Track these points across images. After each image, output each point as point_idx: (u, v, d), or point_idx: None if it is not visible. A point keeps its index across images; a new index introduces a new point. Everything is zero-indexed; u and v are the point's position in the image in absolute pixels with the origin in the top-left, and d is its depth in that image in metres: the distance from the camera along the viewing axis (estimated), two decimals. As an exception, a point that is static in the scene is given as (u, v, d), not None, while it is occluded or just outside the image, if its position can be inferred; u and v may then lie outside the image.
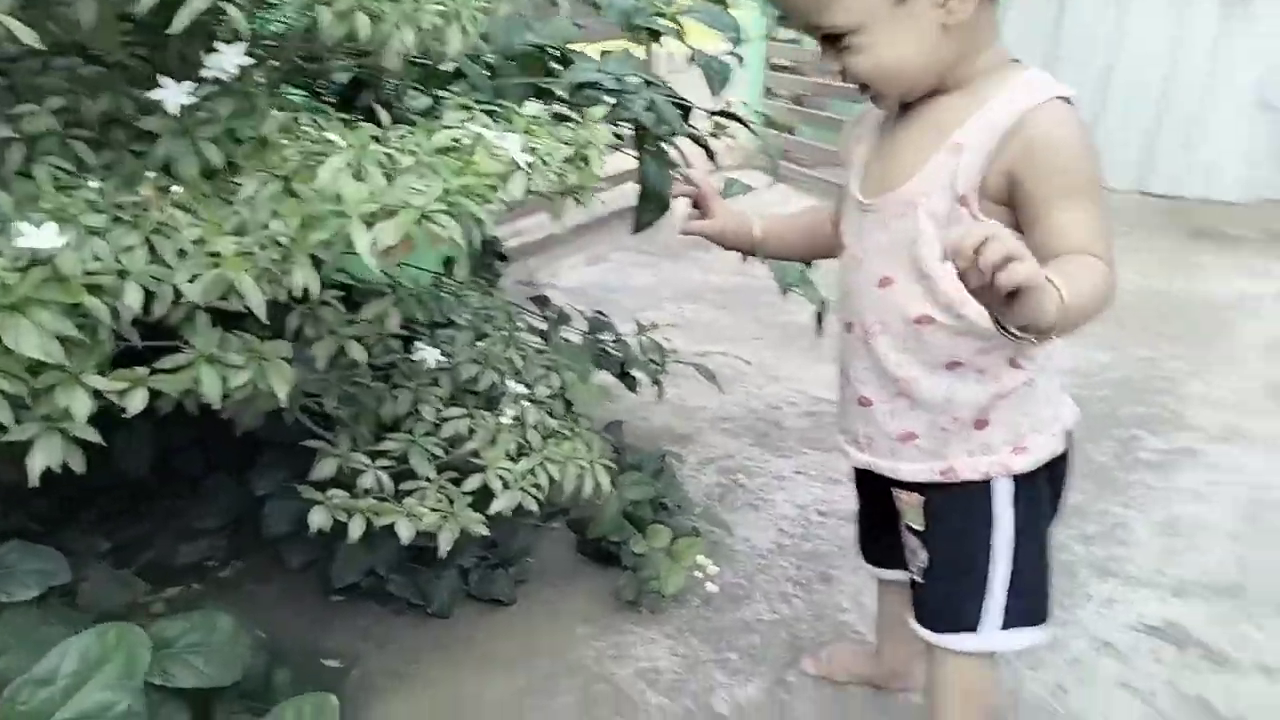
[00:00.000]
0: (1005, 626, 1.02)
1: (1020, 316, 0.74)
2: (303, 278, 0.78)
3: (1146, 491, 1.87)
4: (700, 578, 1.48)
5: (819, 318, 1.63)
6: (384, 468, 1.09)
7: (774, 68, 4.99)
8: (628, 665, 1.39)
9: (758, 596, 1.56)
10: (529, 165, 0.89)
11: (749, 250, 1.23)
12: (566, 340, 1.63)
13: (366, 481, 1.07)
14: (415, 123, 0.94)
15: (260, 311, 0.77)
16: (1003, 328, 0.79)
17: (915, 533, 1.05)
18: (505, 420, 1.14)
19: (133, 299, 0.75)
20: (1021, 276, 0.70)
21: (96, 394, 0.76)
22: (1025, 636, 1.04)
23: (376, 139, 0.87)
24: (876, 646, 1.34)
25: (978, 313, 0.83)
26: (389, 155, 0.85)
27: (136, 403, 0.78)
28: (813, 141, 4.55)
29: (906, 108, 0.97)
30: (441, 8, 0.94)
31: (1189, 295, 3.11)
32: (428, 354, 1.14)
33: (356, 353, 1.01)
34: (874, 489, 1.13)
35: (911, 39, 0.89)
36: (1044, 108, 0.87)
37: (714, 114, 1.62)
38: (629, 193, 1.53)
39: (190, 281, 0.77)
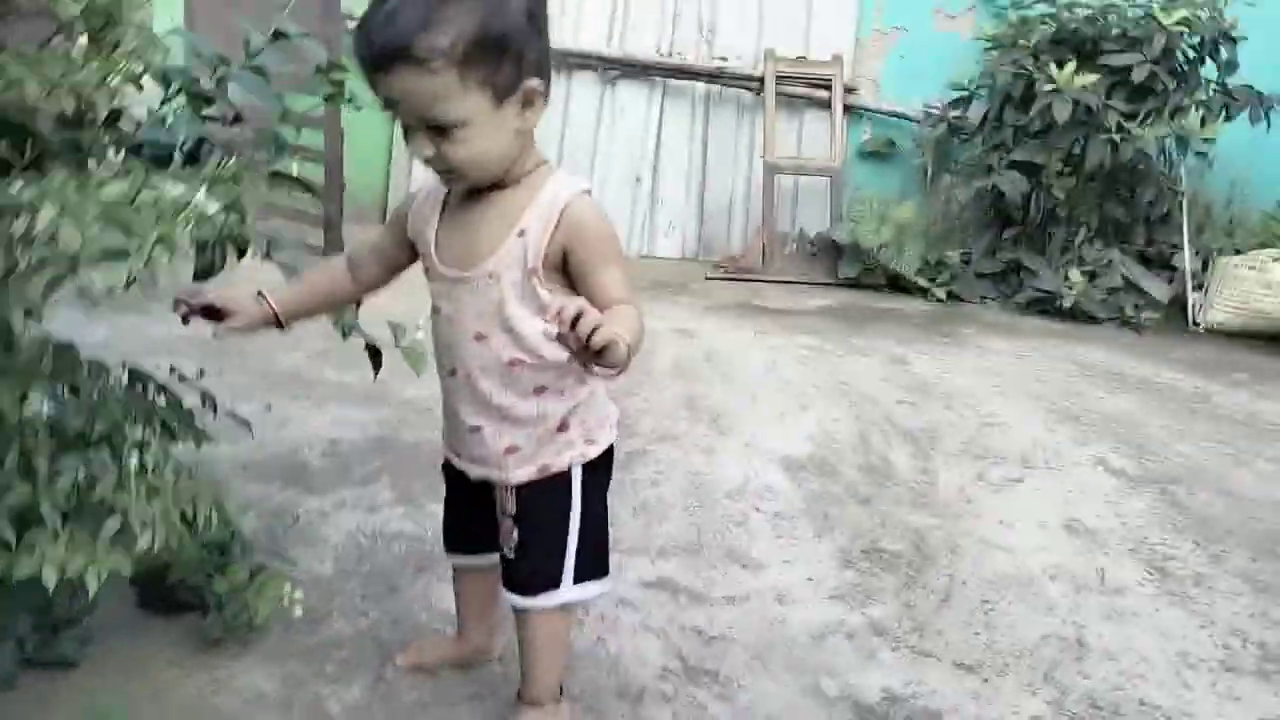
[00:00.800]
0: (578, 581, 1.33)
1: (605, 363, 1.04)
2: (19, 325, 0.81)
3: (620, 484, 2.34)
4: (286, 605, 1.57)
5: (375, 359, 1.78)
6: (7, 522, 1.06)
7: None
8: (233, 696, 1.44)
9: (336, 616, 1.69)
10: (201, 210, 0.99)
11: (275, 327, 1.36)
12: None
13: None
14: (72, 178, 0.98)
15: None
16: (587, 368, 1.09)
17: (510, 516, 1.32)
18: (132, 465, 1.17)
19: None
20: (607, 337, 1.01)
21: None
22: (595, 587, 1.37)
23: None
24: (459, 630, 1.57)
25: (553, 354, 1.15)
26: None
27: None
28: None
29: (470, 195, 1.24)
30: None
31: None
32: (38, 404, 1.12)
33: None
34: (467, 487, 1.37)
35: (500, 137, 1.17)
36: (577, 200, 1.21)
37: (272, 175, 1.72)
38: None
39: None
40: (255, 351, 3.01)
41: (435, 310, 1.29)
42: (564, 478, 1.30)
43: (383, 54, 1.10)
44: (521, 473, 1.29)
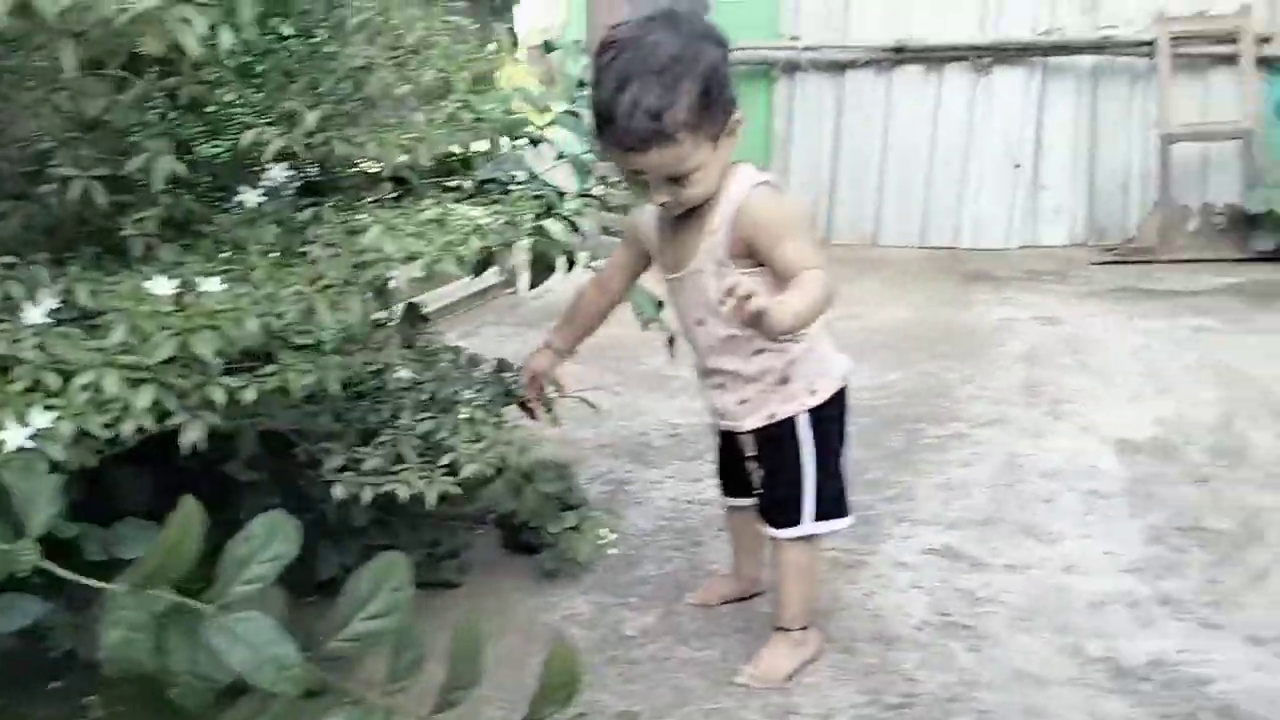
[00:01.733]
0: (817, 519, 1.54)
1: (765, 330, 1.26)
2: (358, 306, 1.22)
3: (928, 465, 2.45)
4: (602, 546, 1.93)
5: (670, 342, 2.11)
6: (380, 456, 1.51)
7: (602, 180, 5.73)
8: (555, 613, 1.82)
9: (648, 561, 2.02)
10: (483, 227, 1.37)
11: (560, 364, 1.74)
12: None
13: (369, 465, 1.49)
14: (397, 207, 1.40)
15: (330, 329, 1.21)
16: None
17: (752, 458, 1.57)
18: (462, 418, 1.58)
19: (252, 326, 1.17)
20: (756, 307, 1.22)
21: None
22: (833, 525, 1.57)
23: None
24: (734, 567, 1.83)
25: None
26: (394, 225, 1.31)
27: (250, 395, 1.19)
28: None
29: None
30: (412, 135, 1.41)
31: (963, 323, 3.81)
32: (403, 371, 1.57)
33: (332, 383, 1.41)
34: (726, 438, 1.65)
35: (717, 169, 1.43)
36: (748, 196, 1.42)
37: (581, 195, 2.13)
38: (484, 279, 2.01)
39: (284, 312, 1.19)
40: (627, 355, 3.49)
41: (674, 303, 1.58)
42: (789, 424, 1.52)
43: (639, 140, 1.33)
44: (752, 420, 1.54)
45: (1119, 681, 1.55)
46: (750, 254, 1.43)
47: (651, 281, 1.74)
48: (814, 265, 1.37)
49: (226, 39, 1.05)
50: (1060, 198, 5.45)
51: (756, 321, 1.23)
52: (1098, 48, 5.23)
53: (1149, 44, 5.03)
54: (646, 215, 1.59)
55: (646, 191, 1.44)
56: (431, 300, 3.93)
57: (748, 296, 1.20)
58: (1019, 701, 1.51)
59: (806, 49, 5.58)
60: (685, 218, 1.49)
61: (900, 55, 5.47)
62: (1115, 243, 5.22)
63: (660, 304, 2.07)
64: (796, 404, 1.52)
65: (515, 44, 2.22)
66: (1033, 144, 5.41)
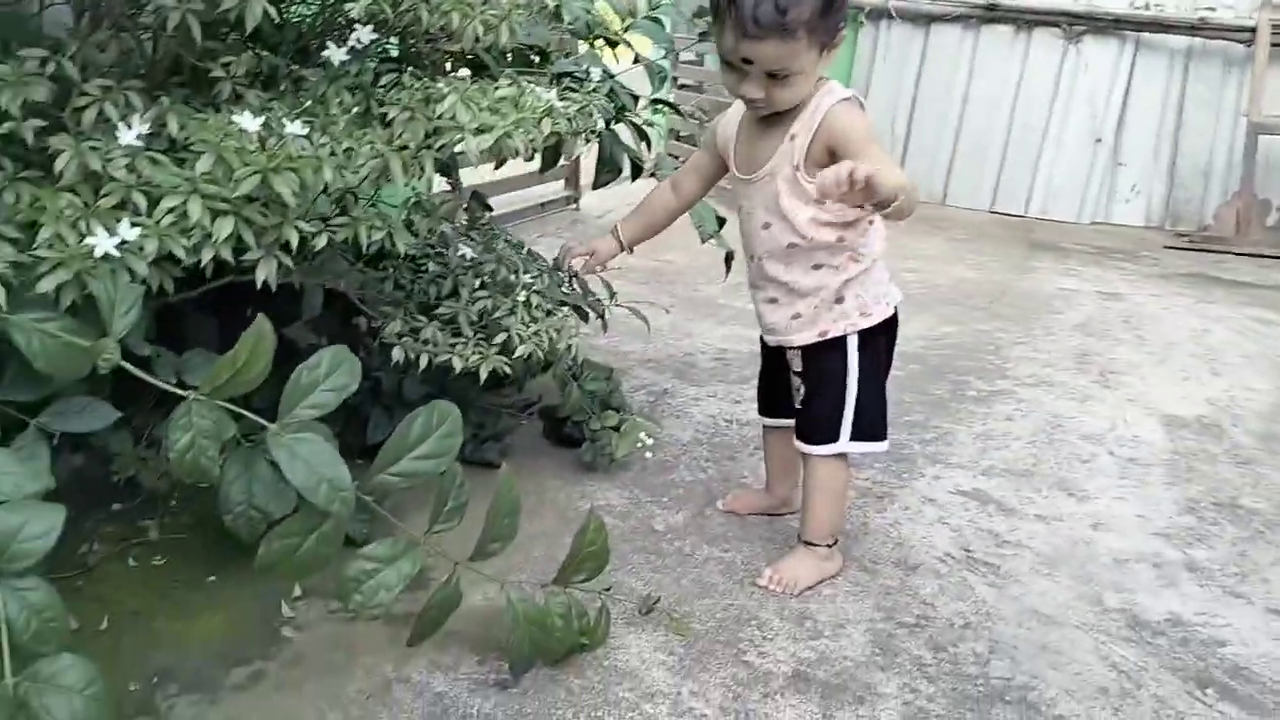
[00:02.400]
0: (853, 438, 1.56)
1: (878, 200, 1.25)
2: (429, 170, 1.25)
3: (970, 415, 2.46)
4: (641, 449, 1.97)
5: (728, 260, 2.14)
6: (437, 328, 1.56)
7: (680, 86, 5.66)
8: (589, 501, 1.87)
9: (682, 468, 2.06)
10: (556, 110, 1.38)
11: (626, 253, 1.74)
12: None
13: (427, 334, 1.54)
14: (475, 83, 1.42)
15: (401, 186, 1.24)
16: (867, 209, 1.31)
17: (797, 374, 1.59)
18: (520, 299, 1.62)
19: (329, 175, 1.20)
20: (866, 171, 1.22)
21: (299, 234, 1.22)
22: (869, 446, 1.59)
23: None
24: (767, 484, 1.86)
25: (819, 236, 1.44)
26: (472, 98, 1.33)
27: (321, 241, 1.24)
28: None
29: (760, 116, 1.50)
30: (495, 13, 1.43)
31: (1023, 288, 3.77)
32: (466, 250, 1.61)
33: (400, 243, 1.44)
34: (772, 358, 1.66)
35: (813, 77, 1.44)
36: (835, 107, 1.43)
37: (654, 102, 2.13)
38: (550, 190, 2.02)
39: (360, 167, 1.23)
40: (684, 281, 3.51)
41: (739, 209, 1.59)
42: (840, 342, 1.54)
43: (761, 27, 1.34)
44: (803, 336, 1.56)
45: (1134, 632, 1.57)
46: (826, 163, 1.43)
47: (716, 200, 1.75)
48: (899, 175, 1.38)
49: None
50: (1139, 177, 5.33)
51: (869, 190, 1.21)
52: (1194, 28, 5.06)
53: (1249, 30, 4.86)
54: (728, 117, 1.59)
55: (741, 84, 1.44)
56: (497, 206, 3.99)
57: (849, 168, 1.20)
58: (1032, 638, 1.53)
59: (897, -1, 5.47)
60: (767, 122, 1.49)
61: (991, 13, 5.34)
62: (1190, 229, 5.11)
63: (722, 221, 2.09)
64: (848, 323, 1.53)
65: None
66: (1116, 119, 5.28)
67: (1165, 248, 4.82)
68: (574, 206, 4.57)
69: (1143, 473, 2.19)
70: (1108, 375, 2.84)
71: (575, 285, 2.23)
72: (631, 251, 1.75)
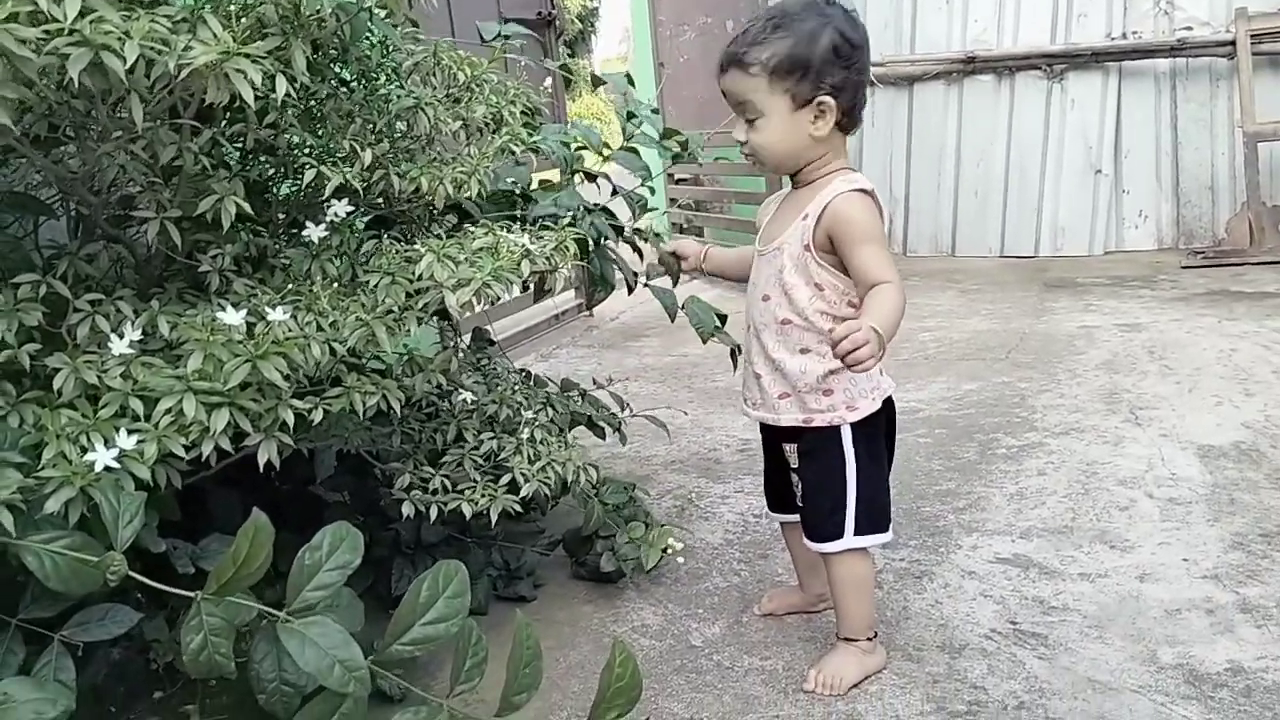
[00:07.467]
0: (858, 533, 1.55)
1: (852, 365, 1.33)
2: (415, 329, 1.29)
3: (1001, 475, 2.42)
4: (671, 554, 1.96)
5: (734, 355, 2.15)
6: (445, 476, 1.58)
7: (676, 181, 5.83)
8: (624, 624, 1.86)
9: (714, 573, 2.04)
10: (532, 253, 1.42)
11: (698, 272, 1.88)
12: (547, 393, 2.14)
13: (435, 484, 1.56)
14: (453, 236, 1.47)
15: (390, 353, 1.27)
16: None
17: (794, 470, 1.59)
18: (523, 438, 1.64)
19: (317, 352, 1.24)
20: (840, 351, 1.30)
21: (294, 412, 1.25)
22: (875, 539, 1.58)
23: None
24: (799, 582, 1.84)
25: (814, 318, 1.48)
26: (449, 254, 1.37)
27: (318, 415, 1.27)
28: (715, 241, 5.26)
29: (791, 193, 1.58)
30: (464, 170, 1.48)
31: (1042, 332, 3.75)
32: (467, 395, 1.64)
33: (394, 403, 1.47)
34: (771, 448, 1.67)
35: (790, 135, 1.50)
36: (845, 196, 1.47)
37: (635, 231, 2.18)
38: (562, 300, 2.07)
39: (347, 338, 1.27)
40: (700, 374, 3.53)
41: (751, 282, 1.62)
42: (834, 435, 1.53)
43: (726, 59, 1.51)
44: (788, 417, 1.57)
45: (1193, 688, 1.52)
46: (831, 249, 1.48)
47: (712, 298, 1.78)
48: (890, 277, 1.42)
49: (282, 87, 1.13)
50: (1144, 202, 5.32)
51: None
52: (1174, 49, 5.10)
53: (1229, 43, 4.89)
54: (773, 196, 1.68)
55: (735, 127, 1.54)
56: (511, 325, 4.07)
57: (840, 341, 1.31)
58: (1089, 709, 1.49)
59: (874, 64, 5.57)
60: (792, 201, 1.57)
61: (970, 66, 5.42)
62: (1204, 245, 5.07)
63: (724, 318, 2.11)
64: (834, 415, 1.54)
65: (594, 77, 2.31)
66: (1112, 149, 5.30)
67: (1182, 268, 4.78)
68: (588, 313, 4.64)
69: (1184, 512, 2.14)
70: (1138, 412, 2.80)
71: (587, 403, 2.26)
72: (704, 273, 1.87)
